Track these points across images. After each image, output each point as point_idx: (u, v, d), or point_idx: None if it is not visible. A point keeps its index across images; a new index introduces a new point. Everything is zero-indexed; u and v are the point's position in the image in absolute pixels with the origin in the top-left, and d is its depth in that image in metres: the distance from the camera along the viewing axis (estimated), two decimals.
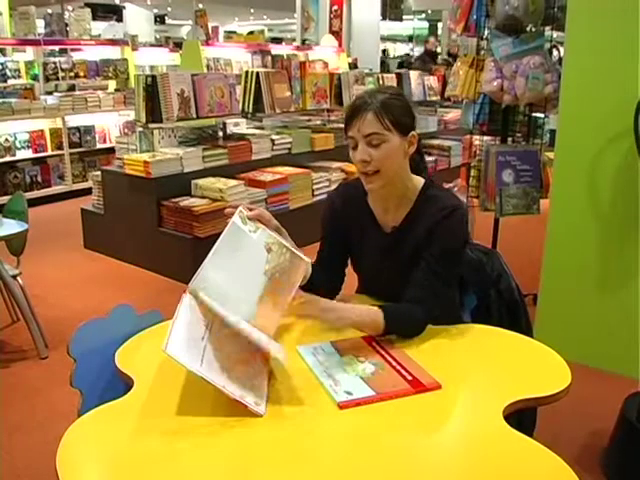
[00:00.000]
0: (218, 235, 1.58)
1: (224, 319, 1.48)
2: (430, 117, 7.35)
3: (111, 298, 3.99)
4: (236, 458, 1.21)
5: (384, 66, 12.62)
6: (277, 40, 12.63)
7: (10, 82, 7.13)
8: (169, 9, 19.28)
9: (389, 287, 1.81)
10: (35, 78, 7.25)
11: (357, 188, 1.82)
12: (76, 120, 7.09)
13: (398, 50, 20.75)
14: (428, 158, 6.90)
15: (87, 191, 6.00)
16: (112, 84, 7.91)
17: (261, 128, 5.99)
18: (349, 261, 1.97)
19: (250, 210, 1.67)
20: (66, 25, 7.73)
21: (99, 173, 5.09)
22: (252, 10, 20.78)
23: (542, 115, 3.71)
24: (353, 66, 10.18)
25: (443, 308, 1.71)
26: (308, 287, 1.70)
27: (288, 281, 1.60)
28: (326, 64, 6.06)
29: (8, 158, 6.49)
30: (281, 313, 1.59)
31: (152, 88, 4.53)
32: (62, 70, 7.25)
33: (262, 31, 10.80)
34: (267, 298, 1.57)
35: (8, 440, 2.61)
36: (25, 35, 7.05)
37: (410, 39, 19.87)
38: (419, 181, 1.81)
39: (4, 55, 7.70)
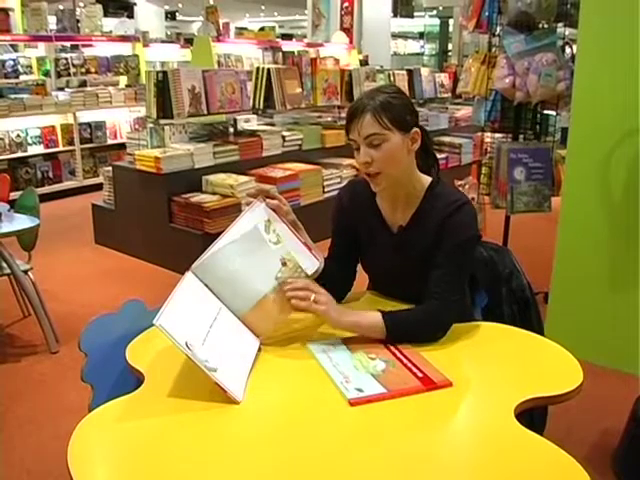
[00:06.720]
0: None
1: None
2: (441, 114, 7.32)
3: (122, 293, 4.01)
4: (247, 454, 1.21)
5: None
6: (288, 37, 12.59)
7: (22, 78, 7.17)
8: (180, 5, 19.28)
9: (398, 286, 1.81)
10: (46, 74, 7.29)
11: (366, 186, 1.80)
12: (87, 116, 7.13)
13: (409, 47, 20.72)
14: (439, 155, 6.86)
15: (98, 187, 6.02)
16: (123, 80, 7.93)
17: (272, 124, 6.00)
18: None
19: (271, 198, 1.72)
20: (77, 21, 7.75)
21: (110, 169, 5.11)
22: (263, 7, 20.76)
23: (554, 112, 3.69)
24: (364, 63, 10.15)
25: (460, 307, 1.69)
26: (320, 283, 1.72)
27: None
28: (337, 61, 6.05)
29: (20, 154, 6.54)
30: (284, 317, 1.64)
31: (163, 84, 4.54)
32: (73, 66, 7.29)
33: (273, 27, 10.76)
34: (272, 298, 1.62)
35: (18, 434, 2.62)
36: (37, 31, 7.07)
37: (421, 36, 19.79)
38: (426, 179, 1.80)
39: (16, 51, 7.73)
